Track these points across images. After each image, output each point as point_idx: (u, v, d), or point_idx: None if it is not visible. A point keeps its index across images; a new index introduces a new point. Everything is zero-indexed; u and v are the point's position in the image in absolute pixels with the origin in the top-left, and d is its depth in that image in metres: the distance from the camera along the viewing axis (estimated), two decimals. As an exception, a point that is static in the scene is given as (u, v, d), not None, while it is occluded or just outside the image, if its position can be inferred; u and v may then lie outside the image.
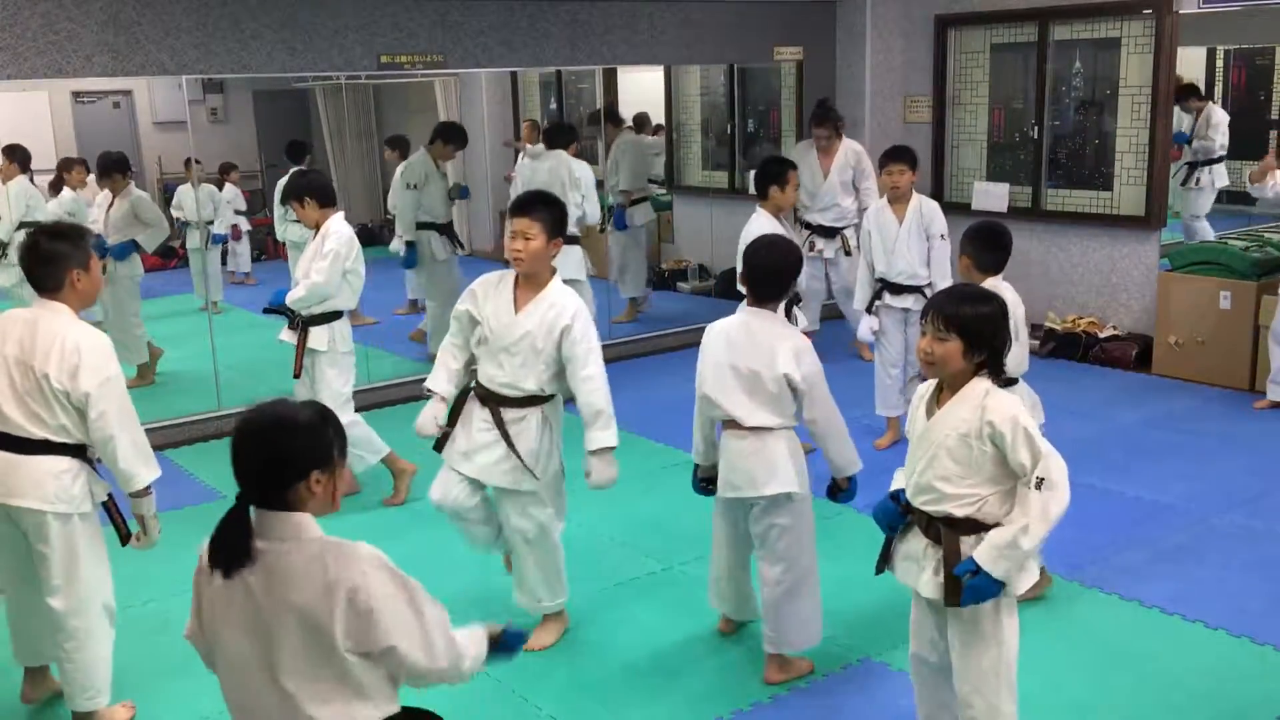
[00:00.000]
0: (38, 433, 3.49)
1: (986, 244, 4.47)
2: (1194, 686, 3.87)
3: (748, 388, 3.80)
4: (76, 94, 8.53)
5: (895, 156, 6.08)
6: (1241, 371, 7.10)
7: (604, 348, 8.00)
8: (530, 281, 4.02)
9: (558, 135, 7.77)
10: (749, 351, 3.79)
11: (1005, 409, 2.88)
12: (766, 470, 3.83)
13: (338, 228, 5.35)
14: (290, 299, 5.34)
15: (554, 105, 10.28)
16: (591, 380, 4.00)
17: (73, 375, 3.42)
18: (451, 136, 8.18)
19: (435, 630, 2.27)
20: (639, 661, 4.16)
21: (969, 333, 2.88)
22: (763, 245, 3.94)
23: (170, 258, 9.55)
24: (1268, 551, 4.87)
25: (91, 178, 8.37)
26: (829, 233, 7.86)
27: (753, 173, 5.96)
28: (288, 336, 5.50)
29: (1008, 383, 4.32)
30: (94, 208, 7.84)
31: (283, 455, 2.22)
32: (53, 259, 3.52)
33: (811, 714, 3.81)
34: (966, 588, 2.87)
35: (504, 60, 7.69)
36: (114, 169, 7.60)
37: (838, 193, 7.80)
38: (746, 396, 3.80)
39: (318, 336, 5.41)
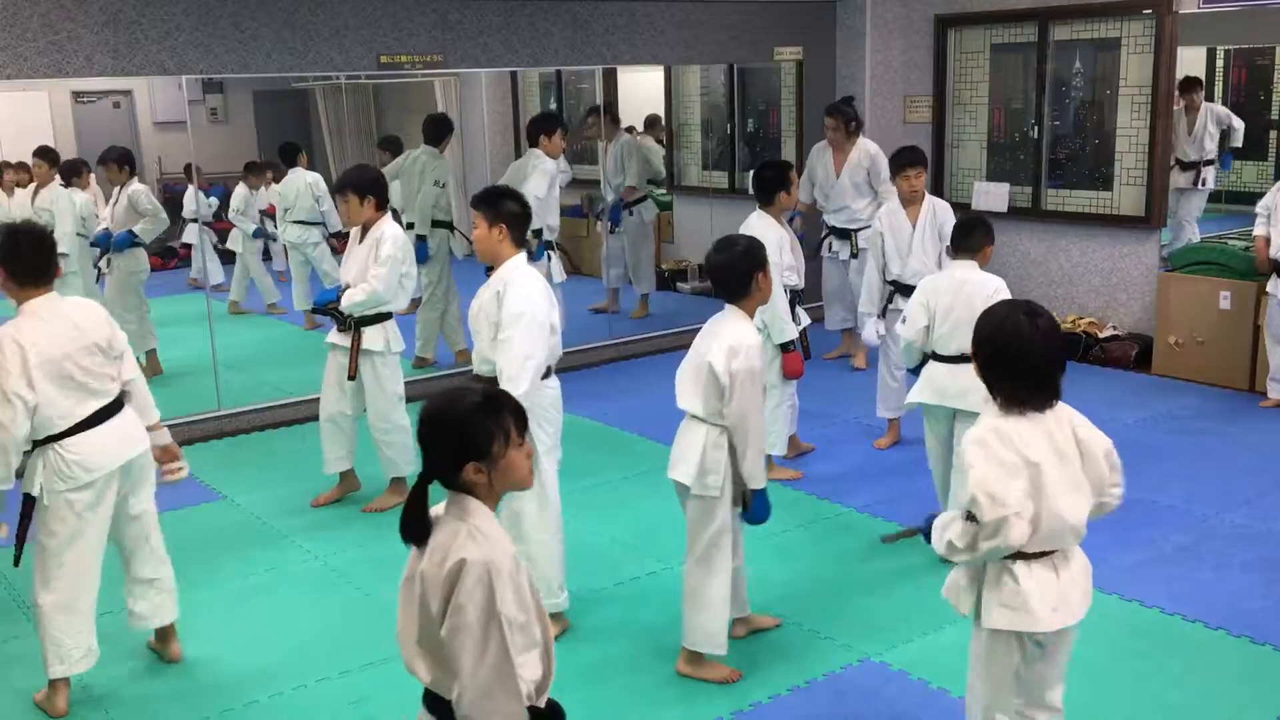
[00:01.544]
0: (115, 389, 3.90)
1: (960, 230, 4.84)
2: (1194, 686, 3.87)
3: (692, 373, 3.98)
4: (76, 94, 8.53)
5: (914, 160, 6.04)
6: (1241, 371, 7.10)
7: (604, 348, 8.00)
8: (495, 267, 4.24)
9: (532, 129, 7.48)
10: (704, 341, 3.94)
11: (976, 431, 2.80)
12: (679, 454, 4.02)
13: (394, 232, 5.35)
14: (346, 303, 5.30)
15: (554, 105, 10.29)
16: (503, 343, 4.08)
17: (114, 331, 3.89)
18: (451, 127, 8.20)
19: (484, 671, 2.22)
20: (639, 661, 4.16)
21: (976, 345, 2.85)
22: (716, 247, 3.95)
23: (170, 257, 9.55)
24: (1268, 551, 4.87)
25: (92, 177, 8.39)
26: (842, 234, 7.85)
27: (751, 175, 5.94)
28: (338, 339, 5.48)
29: (939, 358, 4.67)
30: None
31: (439, 448, 2.33)
32: (55, 247, 3.91)
33: (811, 714, 3.81)
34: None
35: (504, 60, 7.69)
36: (109, 159, 7.57)
37: (849, 194, 7.75)
38: (690, 380, 3.98)
39: (373, 337, 5.40)
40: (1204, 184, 8.49)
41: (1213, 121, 8.52)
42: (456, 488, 2.34)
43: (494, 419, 2.31)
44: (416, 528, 2.32)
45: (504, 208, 4.17)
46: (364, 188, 5.31)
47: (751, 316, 3.89)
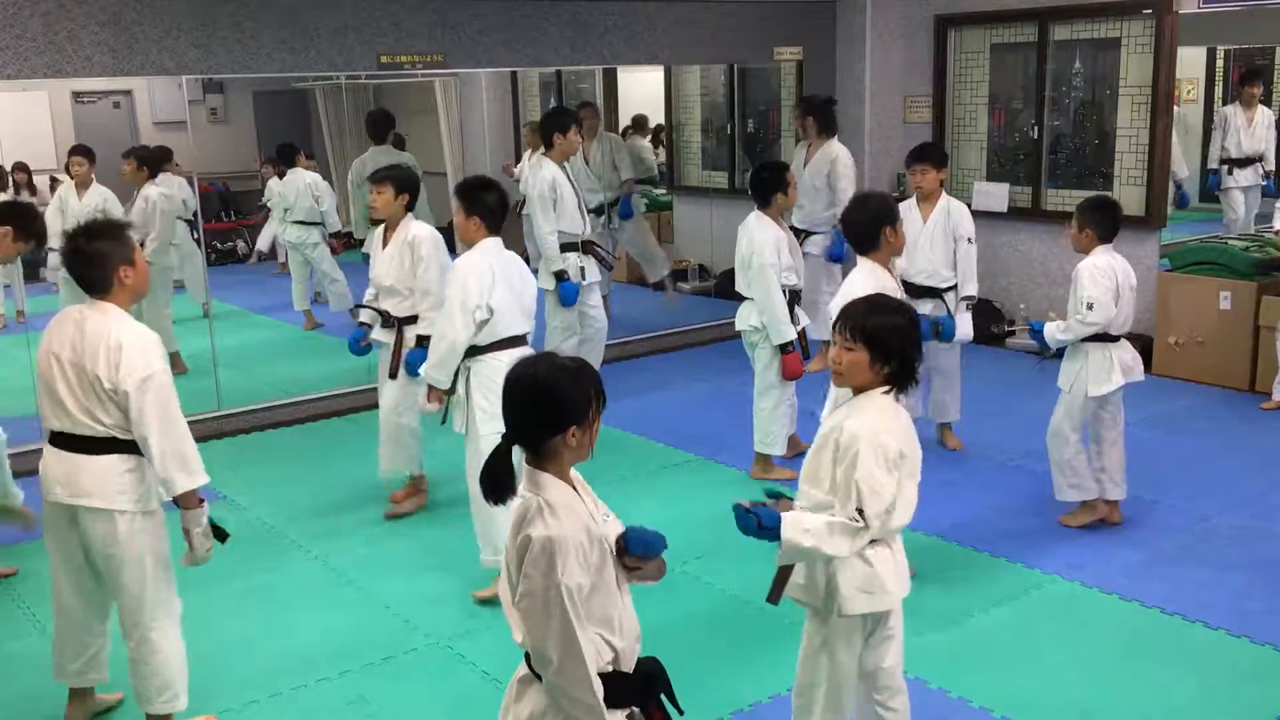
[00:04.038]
0: (100, 430, 3.49)
1: (1105, 214, 5.00)
2: (1194, 686, 3.87)
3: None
4: (76, 94, 8.53)
5: (916, 156, 6.03)
6: (1241, 371, 7.10)
7: (604, 347, 7.92)
8: None
9: (544, 128, 7.01)
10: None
11: (865, 424, 2.82)
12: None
13: (428, 232, 5.36)
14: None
15: (554, 105, 10.28)
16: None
17: (115, 373, 3.42)
18: (393, 121, 8.45)
19: (552, 640, 2.33)
20: (639, 661, 4.16)
21: (875, 343, 2.85)
22: (850, 205, 4.51)
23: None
24: (1268, 551, 4.87)
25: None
26: (797, 234, 7.78)
27: (749, 176, 5.91)
28: (384, 335, 5.46)
29: (1109, 339, 4.87)
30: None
31: (545, 413, 2.40)
32: (98, 259, 3.50)
33: (811, 714, 3.80)
34: (746, 514, 2.80)
35: (504, 60, 7.69)
36: (130, 154, 7.59)
37: (806, 193, 7.58)
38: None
39: (413, 336, 5.34)
40: (1265, 178, 8.43)
41: (1268, 122, 8.45)
42: (540, 453, 2.42)
43: (595, 385, 2.44)
44: (500, 488, 2.43)
45: (483, 199, 4.55)
46: (404, 184, 5.35)
47: (886, 265, 4.27)
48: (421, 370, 4.69)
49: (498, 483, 2.42)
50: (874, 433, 2.81)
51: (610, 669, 2.43)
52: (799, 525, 2.77)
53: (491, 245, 4.54)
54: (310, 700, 3.98)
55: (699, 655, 4.17)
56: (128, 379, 3.41)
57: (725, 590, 4.69)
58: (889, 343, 2.86)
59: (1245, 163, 8.37)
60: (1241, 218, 8.40)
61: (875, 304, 2.97)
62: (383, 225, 5.44)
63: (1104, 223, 4.96)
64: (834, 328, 2.95)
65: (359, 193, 8.20)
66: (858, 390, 2.93)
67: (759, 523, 2.77)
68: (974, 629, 4.29)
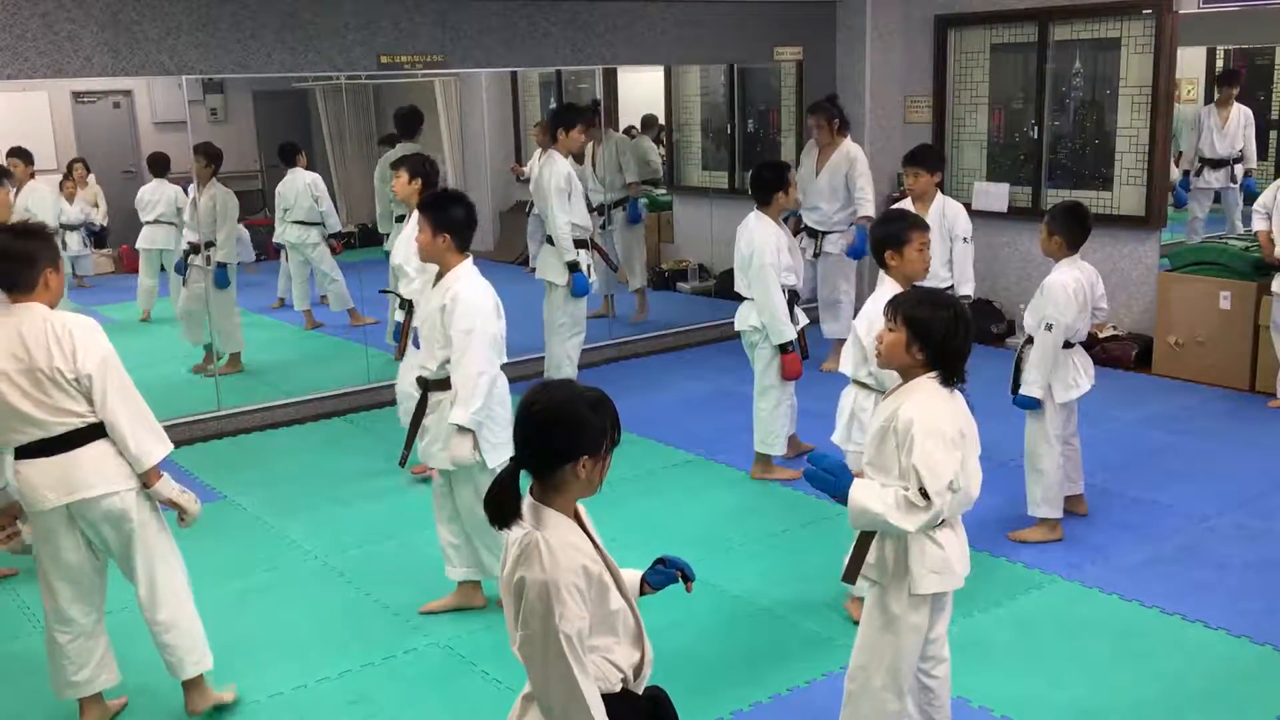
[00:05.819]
0: (79, 422, 3.49)
1: (1074, 221, 4.89)
2: (1194, 686, 3.87)
3: (851, 336, 4.40)
4: (76, 94, 8.52)
5: (908, 160, 6.03)
6: (1241, 371, 7.10)
7: (604, 348, 7.94)
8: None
9: (551, 124, 7.14)
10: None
11: (917, 408, 2.95)
12: (839, 414, 4.50)
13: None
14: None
15: (554, 105, 10.29)
16: (456, 362, 4.18)
17: (74, 360, 3.43)
18: (422, 118, 8.41)
19: (553, 683, 2.29)
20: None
21: (915, 327, 2.99)
22: (876, 219, 4.53)
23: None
24: (1268, 551, 4.87)
25: (92, 176, 8.40)
26: (812, 234, 7.78)
27: (749, 175, 5.91)
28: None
29: (1067, 345, 4.84)
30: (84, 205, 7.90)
31: (558, 440, 2.33)
32: (27, 258, 3.49)
33: (811, 714, 3.80)
34: (817, 473, 2.97)
35: (504, 60, 7.69)
36: (197, 151, 7.61)
37: (823, 195, 7.63)
38: (849, 343, 4.43)
39: None
40: (1236, 180, 8.43)
41: (1244, 121, 8.44)
42: (547, 483, 2.37)
43: (611, 417, 2.38)
44: (505, 514, 2.33)
45: (449, 214, 4.21)
46: (417, 170, 5.41)
47: (903, 286, 4.02)
48: (468, 419, 4.14)
49: (502, 508, 2.33)
50: (925, 417, 2.93)
51: (620, 688, 2.42)
52: (870, 490, 2.93)
53: (476, 273, 4.28)
54: (310, 700, 3.98)
55: (699, 655, 4.18)
56: (88, 361, 3.44)
57: (725, 590, 4.69)
58: (929, 330, 2.97)
59: (1218, 164, 8.37)
60: (1202, 220, 8.37)
61: (924, 297, 3.10)
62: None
63: (1073, 230, 4.89)
64: (884, 314, 3.10)
65: (385, 188, 8.14)
66: (903, 375, 3.08)
67: (830, 478, 2.93)
68: (974, 629, 4.29)
